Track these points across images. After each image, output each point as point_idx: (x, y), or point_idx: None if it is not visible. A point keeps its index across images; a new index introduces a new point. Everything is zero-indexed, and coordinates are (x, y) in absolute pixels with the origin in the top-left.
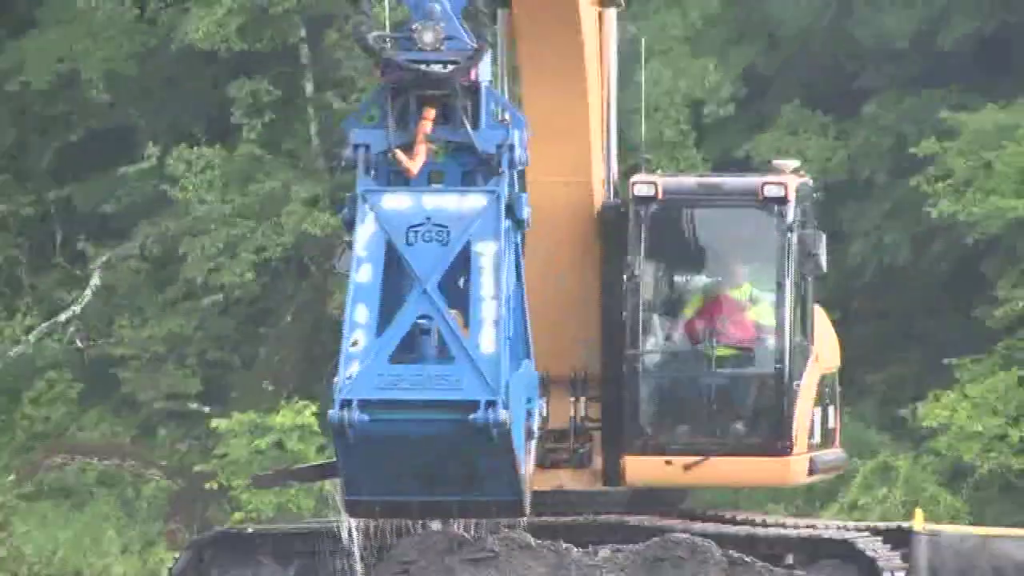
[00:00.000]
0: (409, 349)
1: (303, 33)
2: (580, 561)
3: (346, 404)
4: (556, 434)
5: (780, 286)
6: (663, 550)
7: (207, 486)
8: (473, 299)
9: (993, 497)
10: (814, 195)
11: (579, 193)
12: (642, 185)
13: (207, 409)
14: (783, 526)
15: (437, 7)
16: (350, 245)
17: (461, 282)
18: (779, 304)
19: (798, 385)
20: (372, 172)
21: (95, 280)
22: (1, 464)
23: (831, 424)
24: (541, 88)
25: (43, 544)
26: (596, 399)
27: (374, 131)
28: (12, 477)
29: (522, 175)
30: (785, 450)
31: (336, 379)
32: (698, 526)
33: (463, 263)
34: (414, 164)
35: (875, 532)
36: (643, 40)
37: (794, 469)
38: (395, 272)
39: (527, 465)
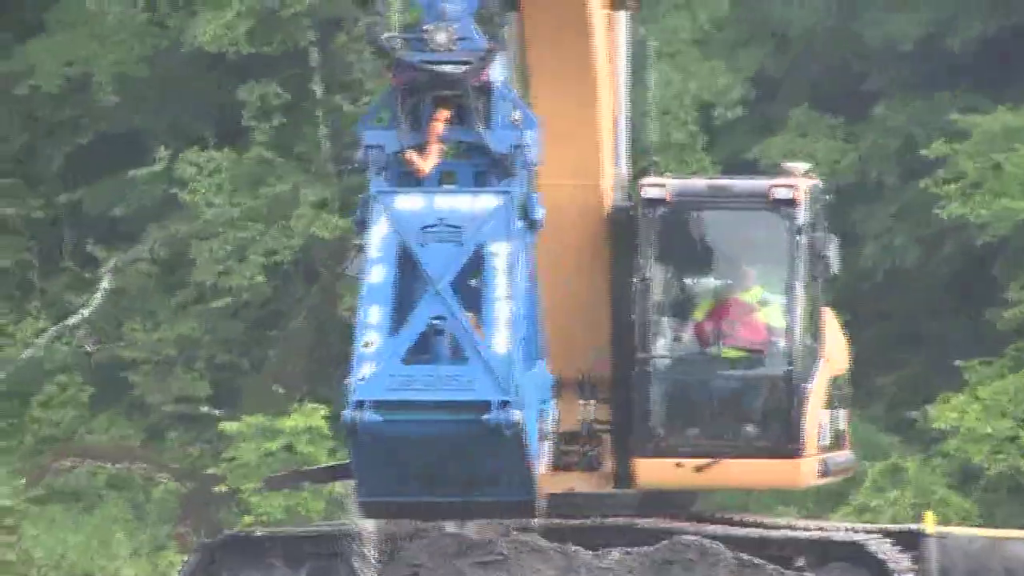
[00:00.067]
0: (422, 350)
1: (312, 36)
2: (590, 564)
3: (359, 405)
4: (566, 437)
5: (790, 288)
6: (673, 552)
7: (217, 489)
8: (486, 300)
9: (1003, 499)
10: (824, 197)
11: (588, 196)
12: (651, 188)
13: (217, 412)
14: (793, 528)
15: (449, 8)
16: (361, 248)
17: (474, 283)
18: (789, 306)
19: (808, 387)
20: (384, 173)
21: (105, 283)
22: (11, 467)
23: (841, 426)
24: (551, 91)
25: (53, 547)
26: (606, 401)
27: (386, 132)
28: (22, 481)
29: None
30: (796, 452)
31: (349, 380)
32: (708, 528)
33: (476, 264)
34: (426, 165)
35: (885, 534)
36: (652, 43)
37: (804, 471)
38: (408, 273)
39: (540, 466)
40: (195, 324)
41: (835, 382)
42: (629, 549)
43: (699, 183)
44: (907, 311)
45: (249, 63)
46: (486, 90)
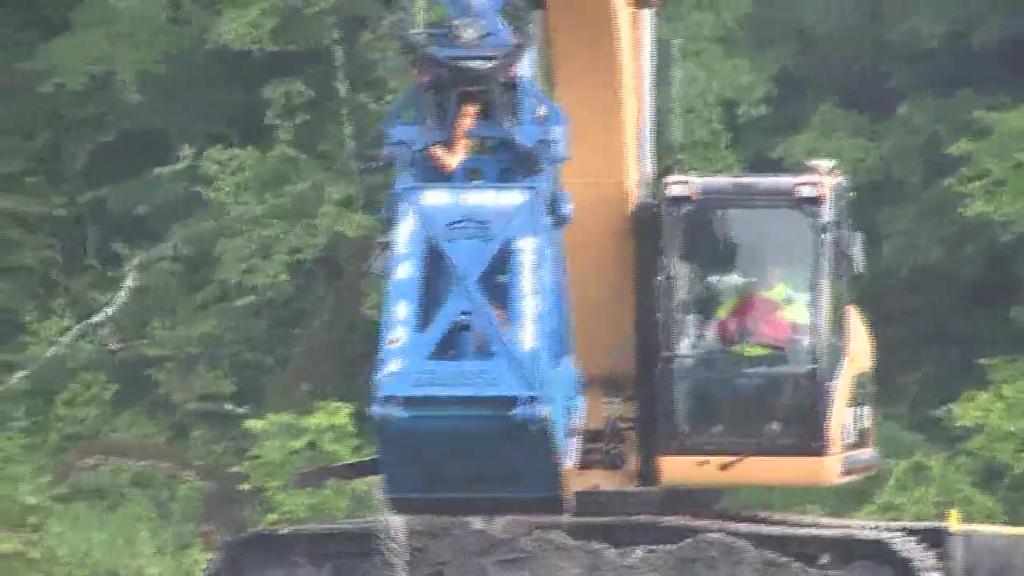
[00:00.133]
0: (449, 346)
1: (336, 34)
2: (614, 562)
3: (387, 401)
4: (590, 434)
5: (815, 286)
6: (697, 551)
7: (241, 487)
8: (513, 295)
9: None
10: (848, 195)
11: (612, 194)
12: (676, 186)
13: (241, 410)
14: (817, 526)
15: (476, 3)
16: (385, 246)
17: (502, 279)
18: (814, 304)
19: (833, 385)
20: (410, 170)
21: (129, 281)
22: (35, 465)
23: (865, 424)
24: (575, 89)
25: (77, 545)
26: (630, 399)
27: (412, 128)
28: (46, 478)
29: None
30: (820, 450)
31: (376, 376)
32: (732, 526)
33: (503, 260)
34: (453, 161)
35: (910, 532)
36: (677, 41)
37: (829, 469)
38: (434, 270)
39: (568, 463)
40: (219, 322)
41: (859, 380)
42: (653, 547)
43: (724, 181)
44: (931, 309)
45: (273, 61)
46: (513, 86)
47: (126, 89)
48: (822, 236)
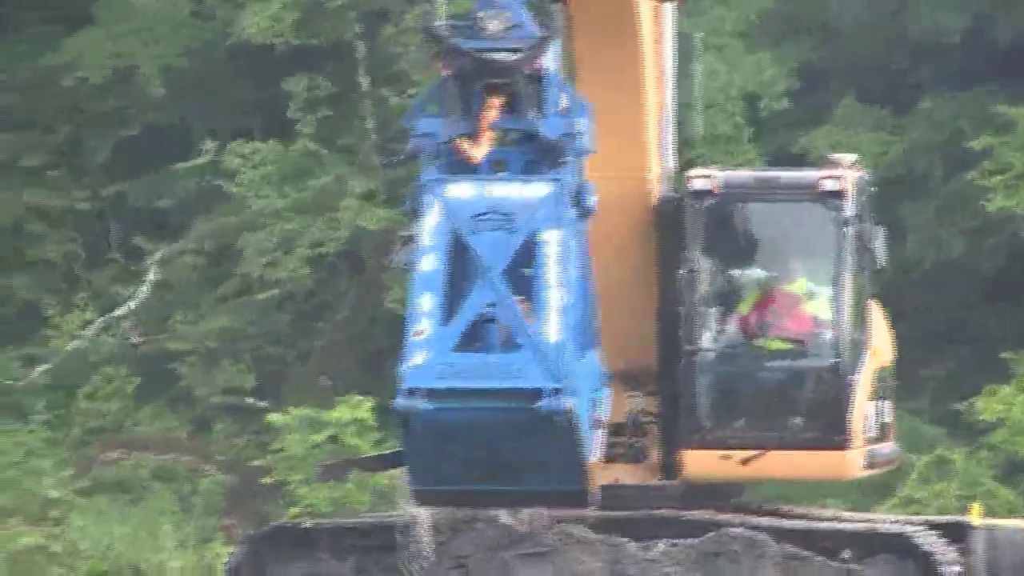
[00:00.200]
0: (475, 339)
1: (358, 28)
2: (636, 556)
3: (411, 393)
4: (612, 428)
5: (837, 280)
6: (719, 544)
7: (263, 481)
8: (538, 287)
9: None
10: (870, 189)
11: (635, 188)
12: (698, 179)
13: (263, 404)
14: (839, 520)
15: None
16: (407, 239)
17: (527, 271)
18: (837, 298)
19: (855, 379)
20: (436, 162)
21: (151, 275)
22: (58, 459)
23: (886, 418)
24: (597, 83)
25: (99, 539)
26: (651, 393)
27: (437, 120)
28: (69, 472)
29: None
30: (843, 444)
31: (401, 368)
32: (754, 520)
33: (528, 252)
34: (478, 153)
35: (932, 526)
36: (698, 35)
37: (851, 463)
38: (459, 262)
39: (593, 455)
40: (241, 316)
41: (880, 374)
42: (675, 541)
43: (746, 175)
44: (953, 303)
45: (295, 55)
46: (538, 78)
47: (148, 83)
48: (844, 230)
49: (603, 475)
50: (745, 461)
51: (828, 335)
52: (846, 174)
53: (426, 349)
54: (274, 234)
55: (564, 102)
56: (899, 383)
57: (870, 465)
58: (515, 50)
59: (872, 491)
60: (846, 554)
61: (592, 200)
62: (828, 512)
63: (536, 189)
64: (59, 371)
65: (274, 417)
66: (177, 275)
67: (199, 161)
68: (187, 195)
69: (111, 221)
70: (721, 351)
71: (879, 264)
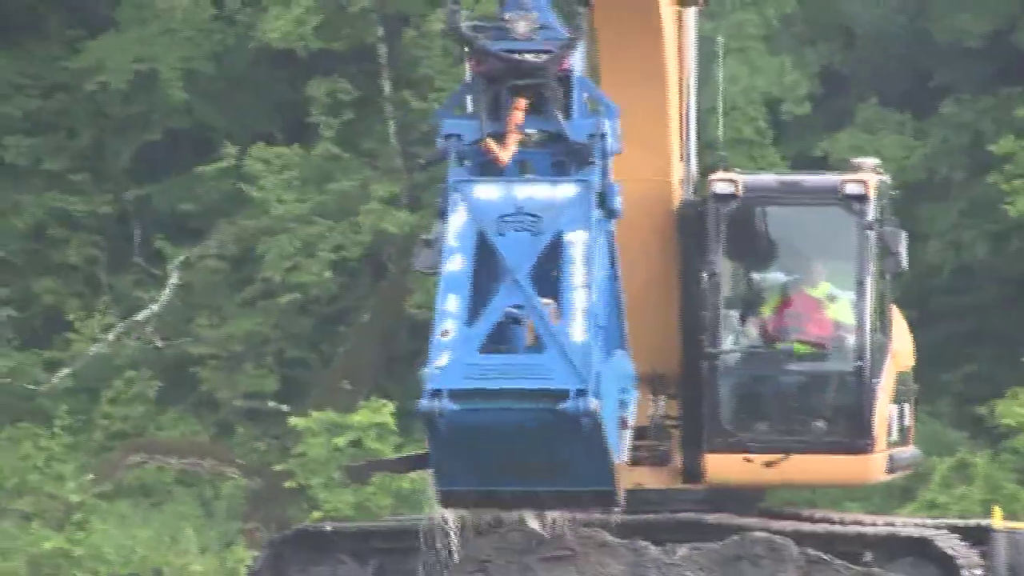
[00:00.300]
0: (500, 340)
1: (381, 32)
2: (658, 559)
3: (436, 394)
4: (635, 432)
5: (860, 284)
6: (741, 548)
7: (285, 485)
8: (564, 288)
9: None
10: (892, 193)
11: (657, 192)
12: (722, 183)
13: (285, 408)
14: (861, 524)
15: None
16: (428, 243)
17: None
18: (859, 302)
19: (878, 383)
20: (464, 163)
21: (173, 279)
22: (80, 463)
23: (907, 422)
24: (620, 87)
25: (122, 543)
26: (673, 397)
27: (465, 121)
28: (91, 476)
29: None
30: (867, 448)
31: (425, 369)
32: (776, 524)
33: (555, 253)
34: (505, 154)
35: (953, 530)
36: (720, 39)
37: (874, 467)
38: (485, 262)
39: (621, 456)
40: (263, 320)
41: (901, 378)
42: (697, 545)
43: (769, 178)
44: (975, 307)
45: (317, 59)
46: (565, 79)
47: (171, 87)
48: (867, 233)
49: (626, 478)
50: (768, 465)
51: (851, 339)
52: (869, 178)
53: (451, 350)
54: (296, 238)
55: (591, 103)
56: (921, 387)
57: (892, 469)
58: (543, 51)
59: (894, 495)
60: (868, 558)
61: (618, 201)
62: (850, 516)
63: (563, 190)
64: (82, 375)
65: (296, 421)
66: (199, 279)
67: (222, 165)
68: (209, 199)
69: (134, 225)
70: (743, 355)
71: (901, 268)
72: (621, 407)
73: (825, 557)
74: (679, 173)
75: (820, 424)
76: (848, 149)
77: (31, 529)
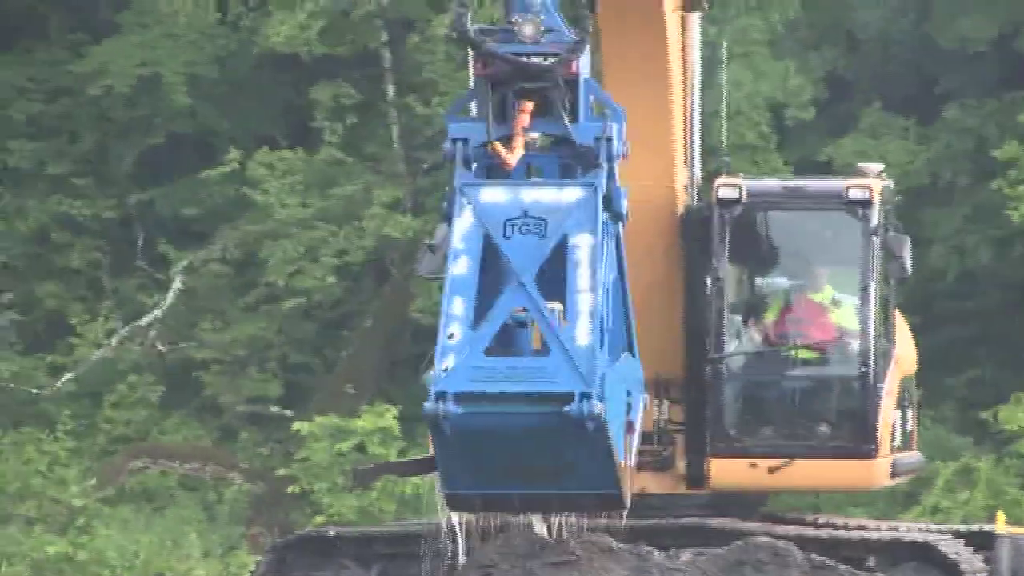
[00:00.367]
0: (506, 343)
1: (384, 37)
2: (662, 564)
3: (441, 397)
4: (639, 437)
5: (865, 289)
6: (745, 553)
7: (288, 490)
8: (569, 291)
9: None
10: (896, 198)
11: (661, 197)
12: (726, 188)
13: (288, 413)
14: (865, 529)
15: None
16: (431, 248)
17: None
18: (864, 307)
19: (882, 388)
20: (471, 166)
21: (176, 284)
22: (83, 467)
23: (909, 427)
24: (624, 92)
25: (125, 547)
26: (676, 402)
27: (472, 124)
28: (94, 481)
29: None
30: (871, 453)
31: (431, 372)
32: (780, 529)
33: (561, 256)
34: (512, 157)
35: (957, 535)
36: (724, 44)
37: (879, 472)
38: (492, 266)
39: (627, 459)
40: (267, 324)
41: (904, 383)
42: (701, 550)
43: (773, 183)
44: (979, 312)
45: (320, 64)
46: (572, 82)
47: (174, 91)
48: (872, 239)
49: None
50: (772, 470)
51: (855, 344)
52: (873, 183)
53: (456, 353)
54: (300, 243)
55: (598, 106)
56: (924, 392)
57: (896, 474)
58: (550, 54)
59: (897, 500)
60: (871, 563)
61: (625, 205)
62: (853, 521)
63: (569, 193)
64: (85, 380)
65: (299, 426)
66: (203, 284)
67: (225, 169)
68: (213, 204)
69: (137, 229)
70: (747, 359)
71: (905, 273)
72: (627, 410)
73: (829, 562)
74: (683, 178)
75: (824, 429)
76: (852, 154)
77: (34, 534)
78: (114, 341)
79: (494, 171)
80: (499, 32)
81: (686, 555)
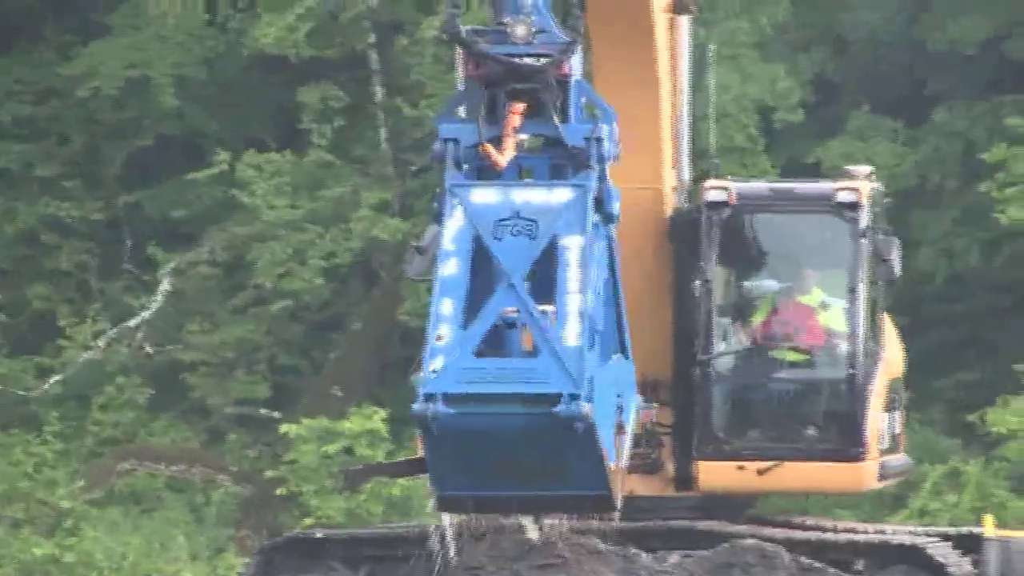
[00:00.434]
0: (496, 344)
1: (372, 39)
2: (650, 567)
3: (430, 398)
4: None
5: (853, 291)
6: (733, 556)
7: (277, 492)
8: (559, 293)
9: None
10: (884, 200)
11: (649, 199)
12: (715, 191)
13: (276, 415)
14: (853, 532)
15: (528, 0)
16: (419, 250)
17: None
18: (852, 309)
19: (871, 390)
20: (462, 167)
21: (164, 285)
22: (71, 470)
23: (897, 429)
24: (613, 94)
25: (113, 549)
26: (665, 404)
27: (463, 125)
28: (82, 483)
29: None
30: (859, 456)
31: (420, 373)
32: (767, 532)
33: (551, 257)
34: (503, 158)
35: (945, 538)
36: (713, 46)
37: (867, 474)
38: (481, 267)
39: (617, 461)
40: (255, 327)
41: (892, 385)
42: (689, 552)
43: (762, 186)
44: (967, 315)
45: (309, 66)
46: (563, 83)
47: (163, 93)
48: (860, 241)
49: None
50: (760, 472)
51: (843, 346)
52: (861, 186)
53: (445, 354)
54: (288, 245)
55: (588, 108)
56: (912, 395)
57: (884, 476)
58: (541, 55)
59: (885, 502)
60: (859, 566)
61: (616, 206)
62: (841, 523)
63: (560, 194)
64: (72, 382)
65: (287, 428)
66: (191, 285)
67: (213, 171)
68: (201, 205)
69: (125, 231)
70: (736, 362)
71: (894, 275)
72: (618, 412)
73: (817, 565)
74: (671, 180)
75: (812, 431)
76: (840, 157)
77: (21, 536)
78: (102, 343)
79: (485, 172)
80: (491, 33)
81: (674, 557)
